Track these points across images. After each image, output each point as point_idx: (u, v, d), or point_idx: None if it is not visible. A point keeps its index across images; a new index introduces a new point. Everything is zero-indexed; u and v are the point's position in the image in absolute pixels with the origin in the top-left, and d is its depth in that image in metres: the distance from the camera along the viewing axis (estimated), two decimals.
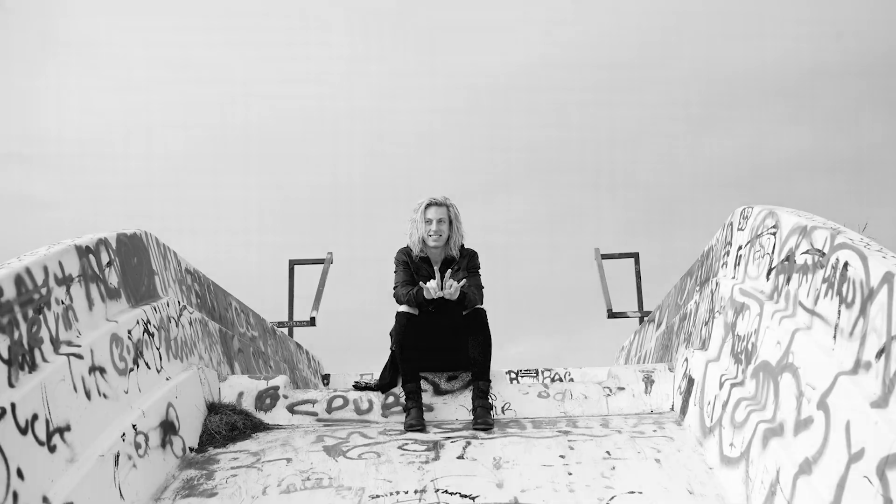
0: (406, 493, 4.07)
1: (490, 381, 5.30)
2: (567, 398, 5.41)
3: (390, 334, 5.49)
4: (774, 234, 4.35)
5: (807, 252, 3.85)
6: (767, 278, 4.33)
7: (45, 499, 3.27)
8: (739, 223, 5.01)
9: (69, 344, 3.82)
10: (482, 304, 5.39)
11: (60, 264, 3.90)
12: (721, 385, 4.44)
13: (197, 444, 4.78)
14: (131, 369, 4.34)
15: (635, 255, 10.17)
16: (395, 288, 5.40)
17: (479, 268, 5.49)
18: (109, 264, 4.45)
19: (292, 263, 10.12)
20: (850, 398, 3.09)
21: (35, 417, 3.36)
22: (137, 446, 4.08)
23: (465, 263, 5.42)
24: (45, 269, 3.75)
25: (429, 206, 5.38)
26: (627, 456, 4.45)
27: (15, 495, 3.09)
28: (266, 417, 5.26)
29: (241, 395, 5.39)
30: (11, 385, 3.29)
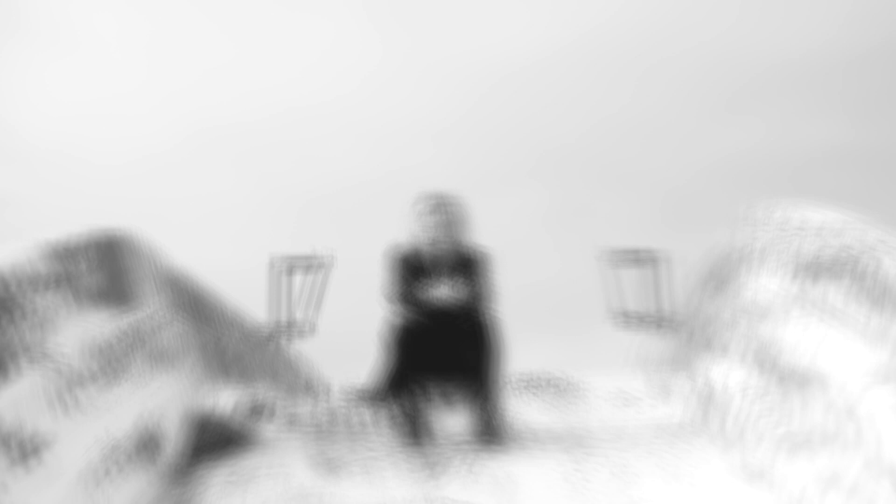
0: None
1: (497, 393, 5.08)
2: (577, 409, 5.30)
3: (389, 342, 5.31)
4: (800, 232, 4.26)
5: (835, 251, 3.76)
6: (792, 280, 4.24)
7: None
8: (762, 221, 4.91)
9: (45, 353, 3.64)
10: (495, 309, 5.17)
11: (35, 266, 3.73)
12: (743, 394, 4.33)
13: (183, 459, 4.59)
14: (113, 379, 4.16)
15: (649, 256, 10.03)
16: (393, 291, 5.20)
17: (488, 270, 5.29)
18: (90, 266, 4.29)
19: (292, 264, 10.05)
20: (882, 408, 2.98)
21: (9, 433, 3.15)
22: (119, 461, 3.89)
23: (472, 266, 5.22)
24: (18, 272, 3.57)
25: (430, 204, 5.18)
26: (642, 470, 4.30)
27: None
28: (258, 430, 5.10)
29: (231, 406, 5.28)
30: None
